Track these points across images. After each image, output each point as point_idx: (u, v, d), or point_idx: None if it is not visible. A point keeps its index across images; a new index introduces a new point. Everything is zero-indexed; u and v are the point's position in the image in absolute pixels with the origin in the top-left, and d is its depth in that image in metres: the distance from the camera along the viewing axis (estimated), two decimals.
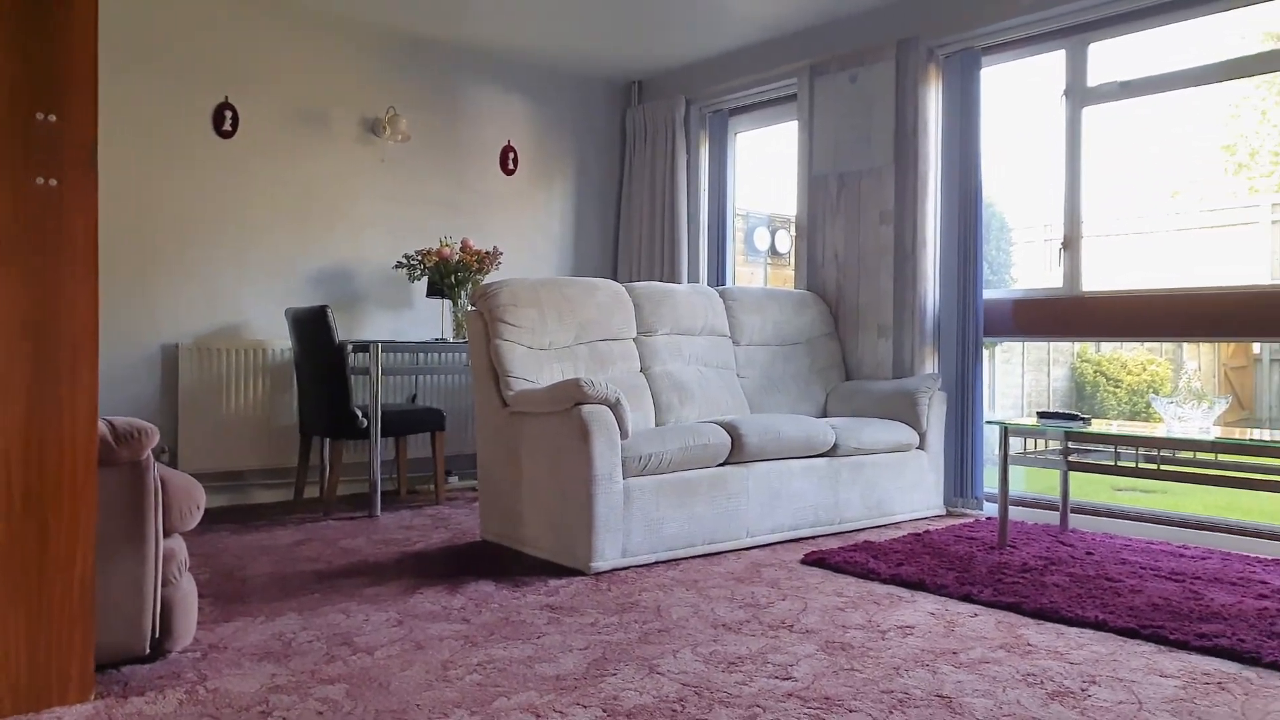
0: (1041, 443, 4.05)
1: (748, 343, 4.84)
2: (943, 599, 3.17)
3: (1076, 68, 4.49)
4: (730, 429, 3.90)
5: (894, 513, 4.44)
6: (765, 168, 6.20)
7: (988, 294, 4.75)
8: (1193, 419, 3.63)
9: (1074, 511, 4.37)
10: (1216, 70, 4.11)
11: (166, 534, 2.49)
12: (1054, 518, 4.44)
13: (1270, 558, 3.71)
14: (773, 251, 7.08)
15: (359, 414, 4.59)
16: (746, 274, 7.02)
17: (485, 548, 3.94)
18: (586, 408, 3.49)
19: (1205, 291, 4.10)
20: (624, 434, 3.56)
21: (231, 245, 4.96)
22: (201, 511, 2.57)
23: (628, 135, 6.35)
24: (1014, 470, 4.01)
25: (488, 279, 5.33)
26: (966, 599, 3.15)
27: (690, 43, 5.63)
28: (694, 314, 4.65)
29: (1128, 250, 12.02)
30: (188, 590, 2.55)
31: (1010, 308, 4.70)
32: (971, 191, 4.68)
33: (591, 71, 6.17)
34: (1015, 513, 4.54)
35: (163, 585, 2.46)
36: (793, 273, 5.94)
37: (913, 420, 4.53)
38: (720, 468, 3.85)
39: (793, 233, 5.90)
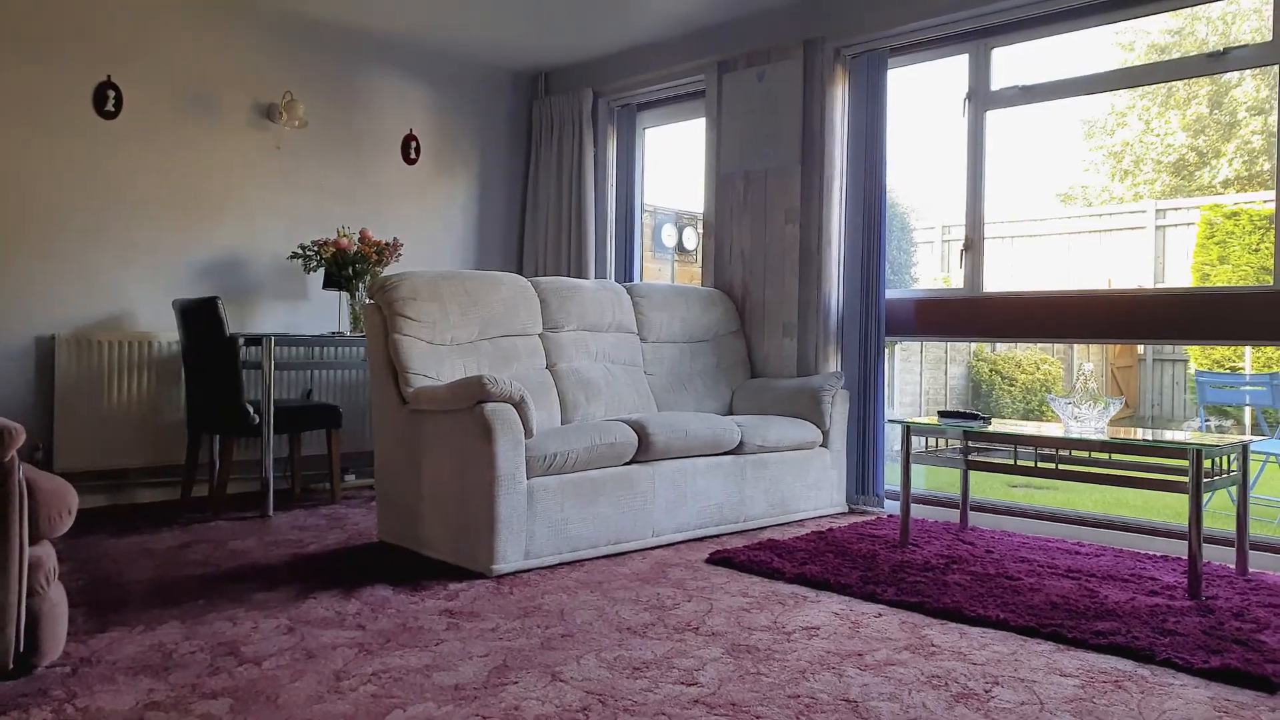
0: (942, 441, 4.11)
1: (655, 340, 4.80)
2: (847, 599, 3.17)
3: (980, 72, 4.57)
4: (637, 427, 3.85)
5: (798, 510, 4.46)
6: (673, 163, 6.17)
7: (890, 294, 4.81)
8: (1088, 419, 3.72)
9: (973, 509, 4.45)
10: (1113, 78, 4.23)
11: (33, 541, 2.30)
12: (954, 515, 4.52)
13: (1159, 554, 3.83)
14: (680, 248, 7.07)
15: (251, 410, 4.39)
16: (654, 270, 6.99)
17: (383, 550, 3.80)
18: (490, 406, 3.39)
19: (1097, 295, 4.22)
20: (528, 433, 3.47)
21: (115, 232, 4.69)
22: (73, 516, 2.39)
23: (534, 127, 6.24)
24: (915, 468, 4.05)
25: (387, 271, 5.17)
26: (871, 598, 3.16)
27: (599, 35, 5.56)
28: (601, 310, 4.58)
29: (1022, 252, 12.44)
30: (57, 600, 2.37)
31: (912, 307, 4.76)
32: (875, 192, 4.73)
33: (497, 60, 6.04)
34: (916, 510, 4.61)
35: (28, 596, 2.28)
36: (699, 270, 5.93)
37: (816, 418, 4.55)
38: (626, 466, 3.80)
39: (700, 230, 5.89)
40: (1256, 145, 17.24)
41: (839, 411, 4.63)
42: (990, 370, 9.68)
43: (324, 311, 5.32)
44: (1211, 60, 4.00)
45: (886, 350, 4.83)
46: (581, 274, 5.84)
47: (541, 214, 6.13)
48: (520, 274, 6.20)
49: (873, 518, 4.54)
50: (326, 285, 5.01)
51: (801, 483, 4.46)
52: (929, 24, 4.59)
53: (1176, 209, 11.63)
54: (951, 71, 4.77)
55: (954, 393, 9.39)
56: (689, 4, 5.07)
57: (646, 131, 5.98)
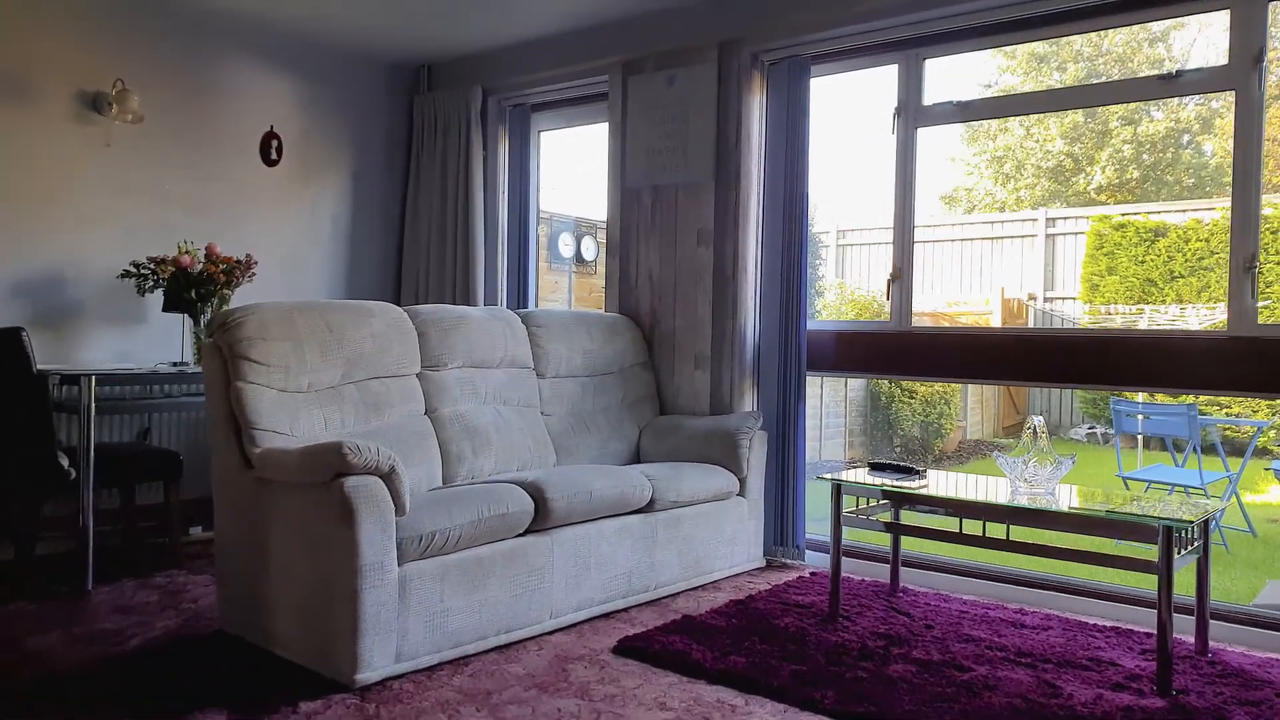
0: (873, 482, 3.63)
1: (554, 374, 4.18)
2: (783, 708, 2.64)
3: (911, 84, 4.10)
4: (534, 491, 3.24)
5: (713, 570, 3.92)
6: (571, 166, 5.55)
7: (812, 325, 4.31)
8: (1040, 480, 3.29)
9: (902, 563, 3.99)
10: (1062, 97, 3.82)
11: None
12: (881, 571, 4.06)
13: (1107, 624, 3.43)
14: (579, 258, 6.46)
15: (65, 462, 3.60)
16: (551, 283, 6.36)
17: (223, 644, 3.09)
18: (351, 480, 2.73)
19: (1039, 335, 3.81)
20: (400, 509, 2.82)
21: None
22: None
23: (415, 126, 5.52)
24: (830, 508, 3.56)
25: (240, 294, 4.39)
26: (810, 706, 2.64)
27: (489, 26, 4.88)
28: (491, 343, 3.94)
29: (916, 257, 12.27)
30: None
31: (835, 340, 4.28)
32: (796, 213, 4.22)
33: (374, 50, 5.30)
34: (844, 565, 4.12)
35: None
36: (600, 283, 5.34)
37: (733, 464, 4.02)
38: (521, 538, 3.18)
39: (600, 239, 5.28)
40: (1126, 154, 17.65)
41: (757, 456, 4.12)
42: (890, 383, 9.40)
43: (166, 337, 4.52)
44: (1164, 83, 3.61)
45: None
46: (469, 289, 5.17)
47: (424, 222, 5.42)
48: (399, 291, 5.49)
49: (794, 576, 4.04)
50: (167, 308, 4.22)
51: (717, 538, 3.92)
52: (855, 30, 4.09)
53: (1065, 218, 11.61)
54: (856, 78, 4.30)
55: (854, 404, 9.06)
56: None
57: (542, 135, 5.34)
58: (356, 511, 2.68)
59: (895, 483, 3.44)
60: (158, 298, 4.40)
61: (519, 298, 5.28)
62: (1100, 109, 17.92)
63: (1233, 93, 3.45)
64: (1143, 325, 9.15)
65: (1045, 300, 11.15)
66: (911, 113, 4.10)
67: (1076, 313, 10.52)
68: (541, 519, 3.21)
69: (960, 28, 3.92)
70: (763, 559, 4.19)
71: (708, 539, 3.87)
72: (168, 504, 4.03)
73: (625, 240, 4.71)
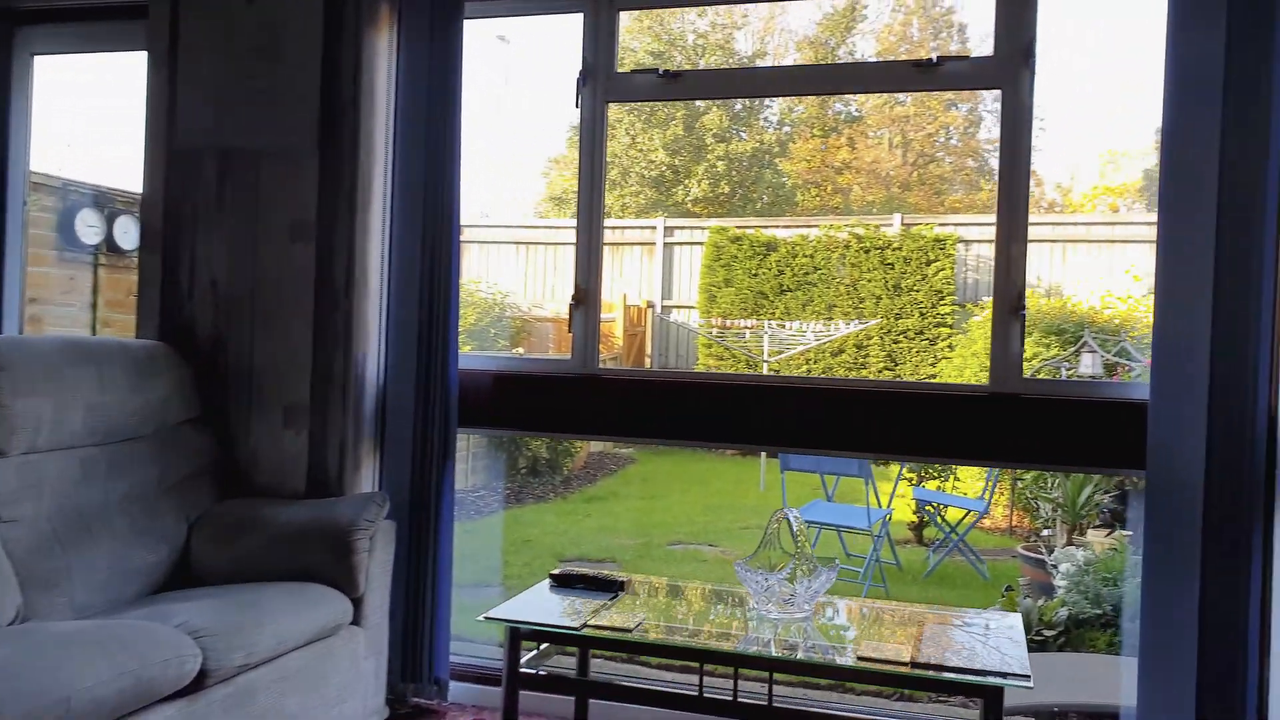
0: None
1: (26, 449, 2.41)
2: None
3: (601, 43, 2.91)
4: None
5: None
6: (92, 113, 3.68)
7: (466, 363, 2.97)
8: (797, 599, 2.25)
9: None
10: (800, 79, 2.83)
11: None
12: (564, 706, 2.82)
13: None
14: (110, 246, 4.48)
15: None
16: (64, 279, 4.31)
17: None
18: None
19: (769, 384, 2.81)
20: None
21: None
22: None
23: None
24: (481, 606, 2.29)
25: None
26: None
27: None
28: None
29: (514, 258, 11.32)
30: None
31: (491, 384, 2.98)
32: (444, 203, 2.85)
33: None
34: (490, 692, 2.83)
35: None
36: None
37: (344, 578, 2.57)
38: None
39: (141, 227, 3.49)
40: (720, 170, 18.27)
41: (381, 560, 2.70)
42: None
43: None
44: (922, 72, 2.76)
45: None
46: None
47: None
48: None
49: None
50: None
51: (317, 701, 2.45)
52: None
53: (683, 227, 11.28)
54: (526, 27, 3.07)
55: (475, 452, 7.65)
56: None
57: (37, 59, 3.40)
58: None
59: (591, 608, 2.23)
60: None
61: None
62: (697, 125, 18.42)
63: (999, 92, 2.68)
64: (766, 340, 8.90)
65: (663, 309, 10.73)
66: (601, 80, 2.92)
67: (695, 322, 10.19)
68: None
69: None
70: (384, 708, 2.78)
71: (302, 706, 2.39)
72: None
73: (174, 229, 3.01)
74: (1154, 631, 2.35)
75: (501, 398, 2.96)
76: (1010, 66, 2.63)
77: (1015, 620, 2.29)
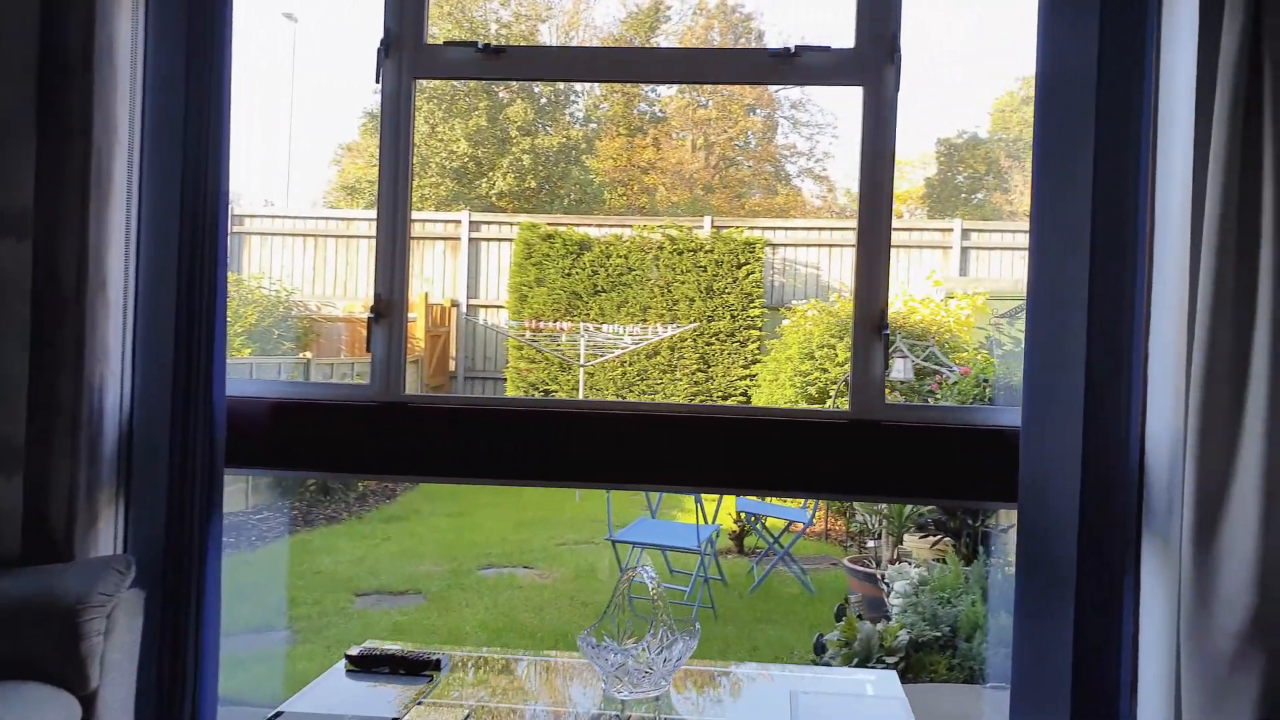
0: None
1: None
2: None
3: (408, 12, 2.43)
4: None
5: None
6: None
7: (236, 389, 2.40)
8: (656, 676, 1.88)
9: None
10: (635, 61, 2.46)
11: None
12: None
13: None
14: None
15: None
16: None
17: None
18: None
19: (624, 413, 2.42)
20: None
21: None
22: None
23: None
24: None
25: None
26: None
27: None
28: None
29: (296, 253, 10.45)
30: None
31: (268, 414, 2.43)
32: (209, 194, 2.27)
33: None
34: None
35: None
36: None
37: (71, 672, 1.97)
38: None
39: None
40: (526, 163, 17.77)
41: (122, 645, 2.10)
42: None
43: None
44: (778, 61, 2.46)
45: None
46: None
47: None
48: None
49: None
50: None
51: None
52: None
53: (489, 222, 10.72)
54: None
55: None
56: None
57: None
58: None
59: (403, 699, 1.78)
60: None
61: None
62: (500, 116, 17.83)
63: (859, 89, 2.43)
64: (583, 343, 8.54)
65: (469, 307, 10.15)
66: (409, 52, 2.43)
67: (505, 322, 9.67)
68: None
69: None
70: None
71: None
72: None
73: None
74: (1027, 670, 2.16)
75: (283, 430, 2.42)
76: (873, 59, 2.38)
77: (893, 684, 2.03)
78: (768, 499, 5.40)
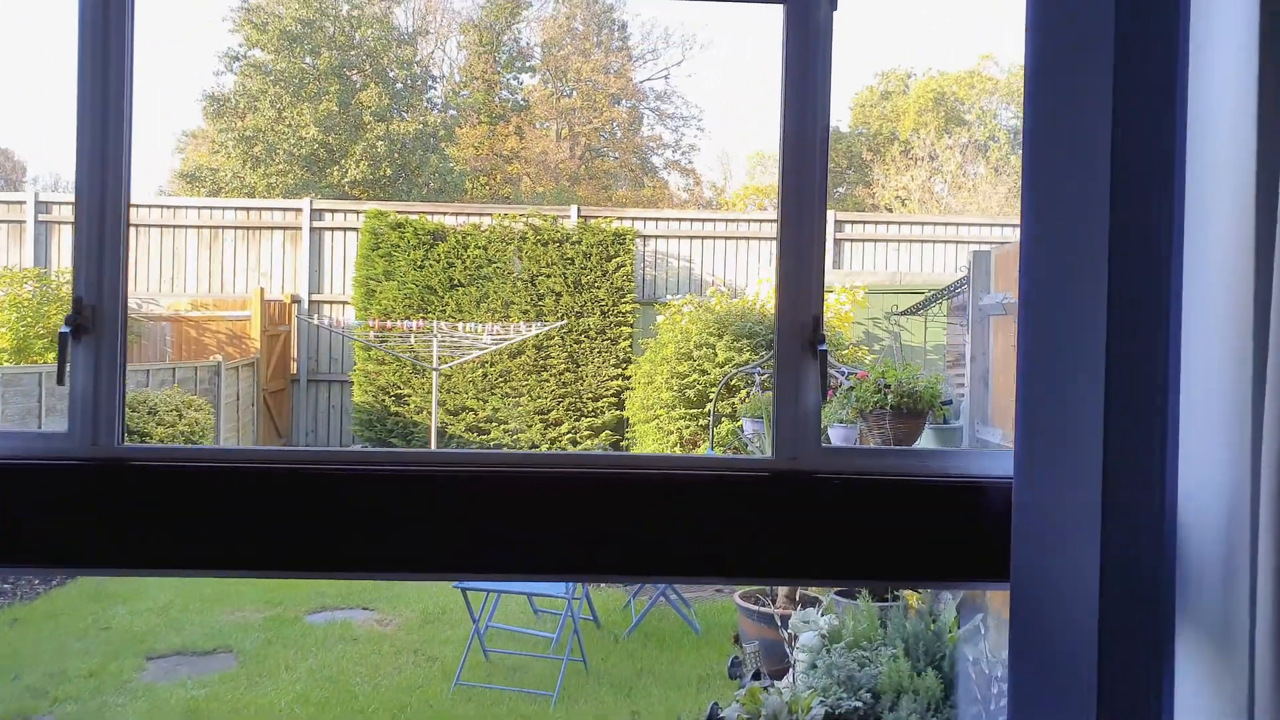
0: None
1: None
2: None
3: None
4: None
5: None
6: None
7: None
8: None
9: None
10: None
11: None
12: None
13: None
14: None
15: None
16: None
17: None
18: None
19: (460, 467, 1.65)
20: None
21: None
22: None
23: None
24: None
25: None
26: None
27: None
28: None
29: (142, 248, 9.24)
30: None
31: None
32: None
33: None
34: None
35: None
36: None
37: None
38: None
39: None
40: (380, 150, 16.55)
41: None
42: None
43: None
44: None
45: None
46: None
47: None
48: None
49: None
50: None
51: None
52: None
53: (335, 210, 9.62)
54: None
55: None
56: None
57: None
58: None
59: None
60: None
61: None
62: (353, 102, 16.53)
63: (780, 8, 1.74)
64: (436, 343, 7.64)
65: (311, 303, 9.08)
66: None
67: (351, 320, 8.65)
68: None
69: None
70: None
71: None
72: None
73: None
74: None
75: None
76: None
77: None
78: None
